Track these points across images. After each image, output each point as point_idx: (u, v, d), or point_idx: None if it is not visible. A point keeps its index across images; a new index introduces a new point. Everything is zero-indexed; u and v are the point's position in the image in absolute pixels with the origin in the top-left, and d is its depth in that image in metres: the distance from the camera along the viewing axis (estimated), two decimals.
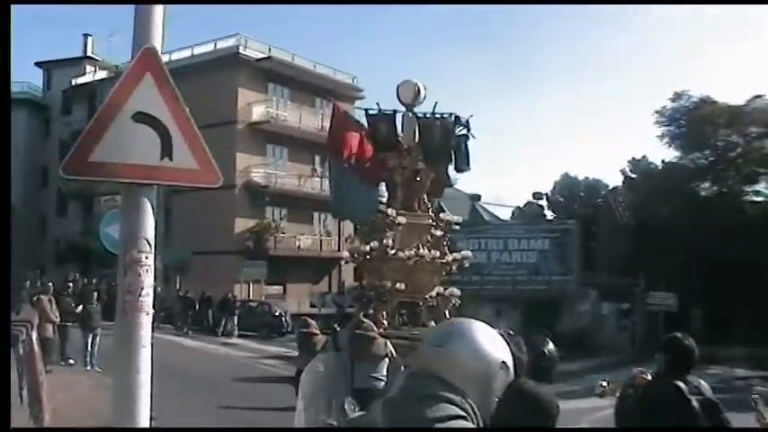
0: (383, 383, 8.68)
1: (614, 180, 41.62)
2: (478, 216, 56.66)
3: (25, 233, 43.99)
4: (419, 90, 11.27)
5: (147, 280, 3.27)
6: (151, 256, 3.30)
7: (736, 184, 32.50)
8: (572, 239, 29.17)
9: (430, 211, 11.41)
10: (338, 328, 9.68)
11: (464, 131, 11.47)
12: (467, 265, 12.08)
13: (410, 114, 11.21)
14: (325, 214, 40.86)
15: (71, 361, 16.81)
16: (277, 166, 38.23)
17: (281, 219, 38.26)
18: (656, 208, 32.41)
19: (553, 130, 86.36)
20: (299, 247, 37.60)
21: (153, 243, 3.33)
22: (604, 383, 5.89)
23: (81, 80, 44.39)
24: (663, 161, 36.90)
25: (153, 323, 3.32)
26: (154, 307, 3.38)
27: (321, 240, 39.37)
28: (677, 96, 33.48)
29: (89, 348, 16.53)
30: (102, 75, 43.08)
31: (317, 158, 37.57)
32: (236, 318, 27.99)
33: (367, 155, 10.94)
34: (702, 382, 4.74)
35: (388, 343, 8.96)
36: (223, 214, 35.30)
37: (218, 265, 34.18)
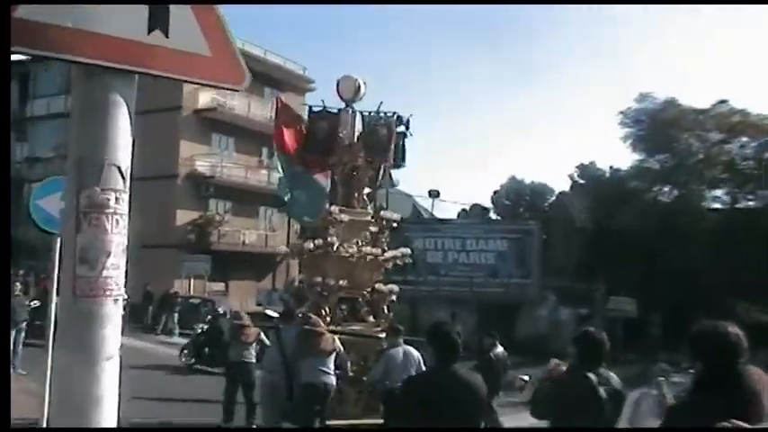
0: (331, 377, 9.42)
1: (560, 185, 41.82)
2: (419, 215, 56.26)
3: None
4: (359, 86, 11.77)
5: (118, 241, 2.05)
6: (125, 203, 2.09)
7: (698, 190, 32.06)
8: (532, 241, 28.36)
9: (368, 207, 11.88)
10: (281, 325, 10.62)
11: (403, 130, 12.34)
12: (401, 263, 12.12)
13: (351, 111, 11.73)
14: (272, 209, 39.45)
15: None
16: (223, 157, 36.60)
17: (225, 212, 36.71)
18: (614, 212, 31.79)
19: (501, 132, 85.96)
20: (243, 242, 36.02)
21: (128, 180, 2.09)
22: (525, 378, 6.11)
23: (12, 58, 41.65)
24: (611, 167, 37.11)
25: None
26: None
27: (267, 236, 37.76)
28: (642, 98, 32.95)
29: (12, 347, 14.66)
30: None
31: (265, 150, 36.17)
32: (176, 315, 26.38)
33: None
34: (612, 374, 5.02)
35: (336, 338, 9.70)
36: (164, 205, 33.56)
37: (158, 258, 32.34)
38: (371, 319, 11.30)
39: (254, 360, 11.45)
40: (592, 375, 4.87)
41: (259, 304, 28.49)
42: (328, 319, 10.50)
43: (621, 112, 33.50)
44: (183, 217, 34.75)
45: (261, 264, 37.39)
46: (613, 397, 4.91)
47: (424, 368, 9.06)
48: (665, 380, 7.16)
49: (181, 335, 25.12)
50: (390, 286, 11.60)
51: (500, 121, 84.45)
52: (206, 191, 35.23)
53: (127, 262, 2.38)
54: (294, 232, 40.23)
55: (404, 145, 12.57)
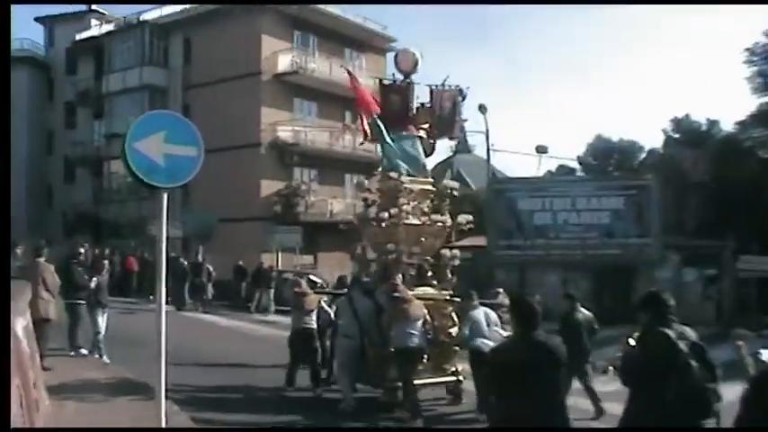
0: (422, 341, 10.06)
1: (650, 142, 40.74)
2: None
3: (31, 204, 41.22)
4: (417, 59, 12.19)
5: None
6: None
7: None
8: (650, 196, 25.72)
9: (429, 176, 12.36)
10: (353, 292, 11.17)
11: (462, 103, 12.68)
12: (467, 228, 12.43)
13: (414, 84, 12.09)
14: (358, 176, 37.56)
15: (83, 351, 13.40)
16: (306, 123, 34.95)
17: (310, 181, 35.03)
18: (734, 164, 29.01)
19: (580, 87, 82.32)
20: (330, 212, 34.23)
21: None
22: (605, 363, 7.16)
23: (86, 34, 40.78)
24: (707, 119, 36.69)
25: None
26: None
27: (355, 204, 35.94)
28: None
29: (99, 331, 13.38)
30: (108, 28, 39.64)
31: (348, 114, 34.16)
32: (272, 291, 24.92)
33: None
34: (687, 328, 5.29)
35: (422, 304, 10.24)
36: (247, 176, 32.24)
37: (243, 232, 31.08)
38: (436, 282, 11.72)
39: (314, 326, 11.85)
40: (669, 331, 5.10)
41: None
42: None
43: (747, 49, 30.37)
44: (268, 188, 33.27)
45: (350, 234, 35.71)
46: (693, 349, 5.10)
47: (500, 325, 10.13)
48: (743, 344, 6.72)
49: (277, 312, 23.62)
50: (454, 252, 12.13)
51: (582, 79, 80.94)
52: (290, 159, 33.68)
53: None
54: (359, 201, 38.78)
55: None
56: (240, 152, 32.06)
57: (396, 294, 10.22)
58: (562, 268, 25.94)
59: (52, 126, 43.52)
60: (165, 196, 6.40)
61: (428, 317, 10.38)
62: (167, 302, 21.12)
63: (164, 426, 6.39)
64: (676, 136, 39.62)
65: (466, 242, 32.28)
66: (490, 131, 28.32)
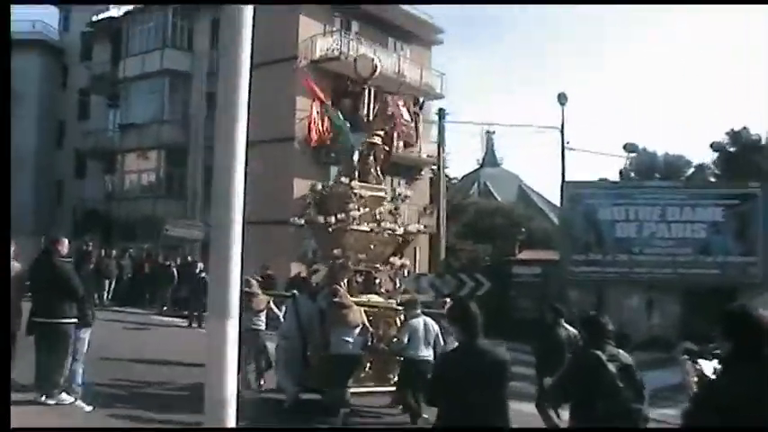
0: (358, 348, 10.15)
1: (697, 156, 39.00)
2: (527, 199, 50.98)
3: (39, 200, 38.01)
4: (376, 66, 12.41)
5: None
6: None
7: None
8: (756, 208, 22.01)
9: (383, 183, 12.53)
10: (297, 294, 11.47)
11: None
12: (412, 238, 12.71)
13: (367, 90, 12.36)
14: (399, 179, 34.13)
15: (64, 397, 9.26)
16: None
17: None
18: None
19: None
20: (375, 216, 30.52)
21: None
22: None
23: (103, 15, 37.34)
24: None
25: None
26: None
27: (395, 209, 32.29)
28: None
29: (78, 359, 9.59)
30: (128, 8, 36.20)
31: None
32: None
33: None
34: (621, 351, 5.55)
35: (362, 311, 10.45)
36: (279, 174, 28.64)
37: (272, 236, 27.40)
38: (384, 291, 11.86)
39: (263, 327, 11.91)
40: (599, 353, 5.37)
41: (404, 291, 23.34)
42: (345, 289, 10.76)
43: None
44: (301, 187, 29.59)
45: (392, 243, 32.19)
46: (623, 370, 5.37)
47: (441, 337, 10.10)
48: (688, 359, 6.39)
49: None
50: (404, 260, 12.27)
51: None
52: (326, 156, 29.98)
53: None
54: (426, 207, 35.43)
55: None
56: (272, 147, 28.51)
57: (335, 299, 10.26)
58: (647, 289, 22.48)
59: (65, 116, 40.26)
60: None
61: (368, 324, 10.43)
62: (185, 317, 16.91)
63: None
64: (732, 149, 38.39)
65: (535, 255, 29.12)
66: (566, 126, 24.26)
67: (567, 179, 24.30)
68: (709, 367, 5.99)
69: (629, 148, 28.12)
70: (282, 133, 29.16)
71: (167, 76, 33.20)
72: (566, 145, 24.02)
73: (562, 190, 23.78)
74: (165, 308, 22.42)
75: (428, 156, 34.80)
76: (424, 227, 12.92)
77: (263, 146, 28.58)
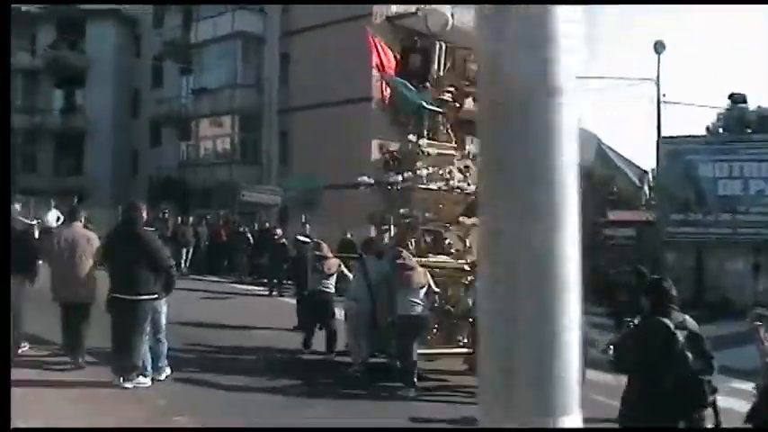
0: (424, 309, 9.85)
1: None
2: (606, 160, 49.03)
3: (116, 169, 38.16)
4: (447, 20, 12.67)
5: None
6: None
7: None
8: None
9: (454, 141, 11.91)
10: (365, 255, 10.99)
11: None
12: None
13: (439, 45, 11.85)
14: (475, 137, 32.88)
15: (143, 379, 8.51)
16: None
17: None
18: None
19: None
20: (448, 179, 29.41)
21: None
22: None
23: None
24: None
25: None
26: None
27: (467, 167, 31.06)
28: None
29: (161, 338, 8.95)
30: None
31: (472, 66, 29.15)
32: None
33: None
34: (688, 317, 5.41)
35: (427, 272, 10.07)
36: (356, 135, 27.61)
37: (351, 201, 26.55)
38: (454, 251, 11.41)
39: (333, 290, 11.77)
40: (667, 320, 5.20)
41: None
42: (413, 250, 10.69)
43: None
44: (379, 149, 28.67)
45: (474, 204, 31.04)
46: (691, 339, 5.21)
47: None
48: (761, 325, 6.12)
49: None
50: (473, 219, 10.88)
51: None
52: (405, 117, 28.94)
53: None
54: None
55: None
56: (348, 108, 27.59)
57: (399, 261, 10.04)
58: (752, 251, 20.78)
59: (139, 85, 40.15)
60: None
61: (434, 285, 10.15)
62: (264, 285, 16.38)
63: None
64: None
65: (629, 216, 27.67)
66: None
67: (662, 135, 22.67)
68: None
69: (736, 98, 25.82)
70: (359, 93, 28.17)
71: (239, 39, 32.53)
72: (662, 98, 22.27)
73: (658, 146, 22.25)
74: (244, 277, 21.84)
75: None
76: None
77: (341, 107, 27.80)
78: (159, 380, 8.67)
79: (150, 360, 8.58)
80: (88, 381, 8.29)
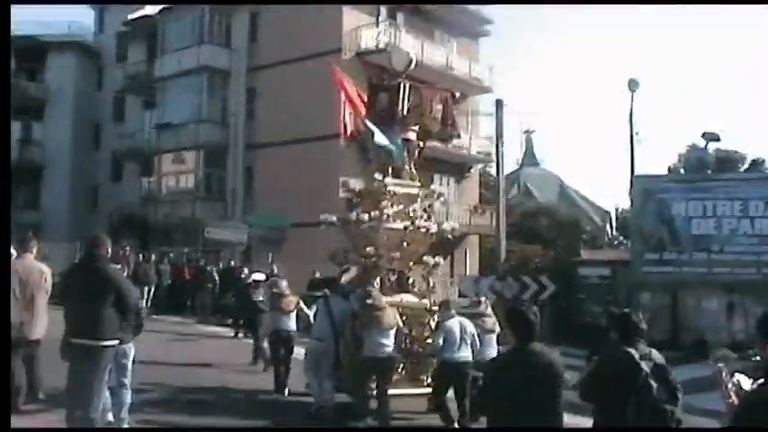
0: (393, 351, 9.65)
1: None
2: (570, 200, 49.29)
3: (75, 205, 37.14)
4: (411, 59, 12.27)
5: None
6: None
7: None
8: None
9: (417, 180, 12.03)
10: (329, 294, 11.02)
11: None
12: (451, 236, 12.35)
13: (403, 84, 11.75)
14: (448, 177, 32.61)
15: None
16: None
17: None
18: None
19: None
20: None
21: None
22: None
23: (139, 13, 36.16)
24: None
25: None
26: None
27: (446, 210, 30.60)
28: None
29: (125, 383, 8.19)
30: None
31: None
32: None
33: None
34: (654, 351, 5.37)
35: (396, 313, 10.01)
36: (323, 173, 27.10)
37: (318, 239, 25.91)
38: (416, 290, 11.47)
39: (293, 328, 11.95)
40: (632, 350, 5.20)
41: (462, 295, 21.74)
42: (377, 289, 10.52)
43: None
44: (342, 187, 28.13)
45: (441, 244, 30.52)
46: (655, 370, 5.19)
47: (477, 340, 9.85)
48: (723, 366, 5.55)
49: None
50: (437, 259, 11.63)
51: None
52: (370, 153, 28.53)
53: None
54: (476, 206, 33.83)
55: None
56: (315, 145, 27.19)
57: (368, 301, 9.89)
58: (727, 291, 20.50)
59: (100, 118, 39.33)
60: None
61: (402, 326, 10.09)
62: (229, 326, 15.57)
63: None
64: None
65: (605, 256, 27.38)
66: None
67: (635, 173, 22.50)
68: (746, 381, 5.63)
69: (708, 137, 25.79)
70: (327, 130, 27.70)
71: (205, 73, 31.95)
72: (634, 135, 22.12)
73: (632, 184, 22.03)
74: (208, 317, 21.07)
75: (478, 152, 33.24)
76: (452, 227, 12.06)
77: (309, 144, 27.33)
78: None
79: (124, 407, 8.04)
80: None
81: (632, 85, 21.73)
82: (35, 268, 8.64)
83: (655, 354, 5.35)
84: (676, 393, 5.30)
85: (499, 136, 24.91)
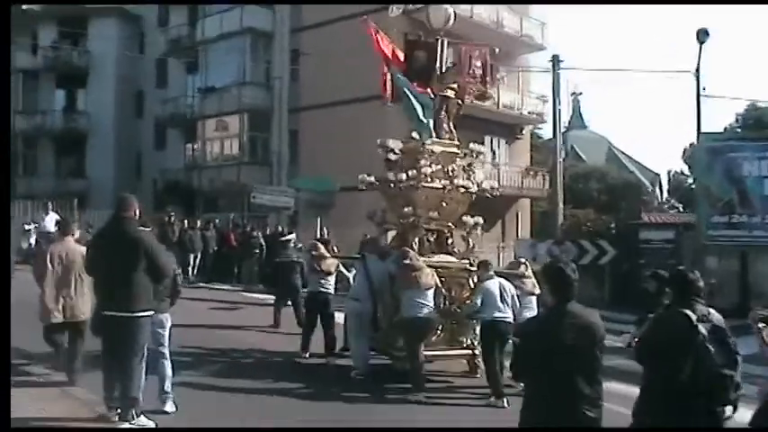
0: (431, 311, 9.65)
1: None
2: (618, 162, 48.13)
3: (119, 173, 36.89)
4: (449, 15, 11.70)
5: None
6: None
7: None
8: None
9: (456, 139, 11.72)
10: (367, 255, 10.90)
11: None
12: (490, 195, 11.75)
13: (441, 41, 11.54)
14: (500, 139, 31.65)
15: (143, 421, 6.83)
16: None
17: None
18: None
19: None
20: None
21: None
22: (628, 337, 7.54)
23: None
24: None
25: None
26: None
27: (498, 172, 29.67)
28: None
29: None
30: None
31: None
32: None
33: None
34: (712, 311, 5.09)
35: (434, 273, 9.92)
36: (371, 135, 26.18)
37: (365, 203, 25.27)
38: (457, 251, 11.31)
39: (332, 290, 11.67)
40: (690, 312, 4.91)
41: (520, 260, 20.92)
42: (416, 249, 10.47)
43: None
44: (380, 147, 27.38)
45: (491, 207, 29.69)
46: (714, 332, 4.92)
47: (517, 300, 9.75)
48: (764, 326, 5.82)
49: None
50: (477, 218, 11.46)
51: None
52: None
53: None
54: (528, 167, 32.86)
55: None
56: (362, 106, 26.25)
57: (405, 261, 9.84)
58: None
59: (143, 85, 38.92)
60: None
61: (440, 286, 10.06)
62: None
63: None
64: None
65: (668, 219, 26.31)
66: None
67: (702, 131, 21.27)
68: None
69: None
70: (372, 91, 26.85)
71: (248, 35, 31.30)
72: (701, 91, 20.84)
73: (699, 143, 20.91)
74: (254, 285, 20.53)
75: (530, 113, 32.15)
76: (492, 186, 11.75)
77: (355, 105, 26.54)
78: (165, 411, 7.32)
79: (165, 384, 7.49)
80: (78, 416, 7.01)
81: (701, 35, 20.39)
82: (77, 251, 8.22)
83: (714, 315, 5.09)
84: (735, 357, 5.01)
85: (556, 94, 23.82)
